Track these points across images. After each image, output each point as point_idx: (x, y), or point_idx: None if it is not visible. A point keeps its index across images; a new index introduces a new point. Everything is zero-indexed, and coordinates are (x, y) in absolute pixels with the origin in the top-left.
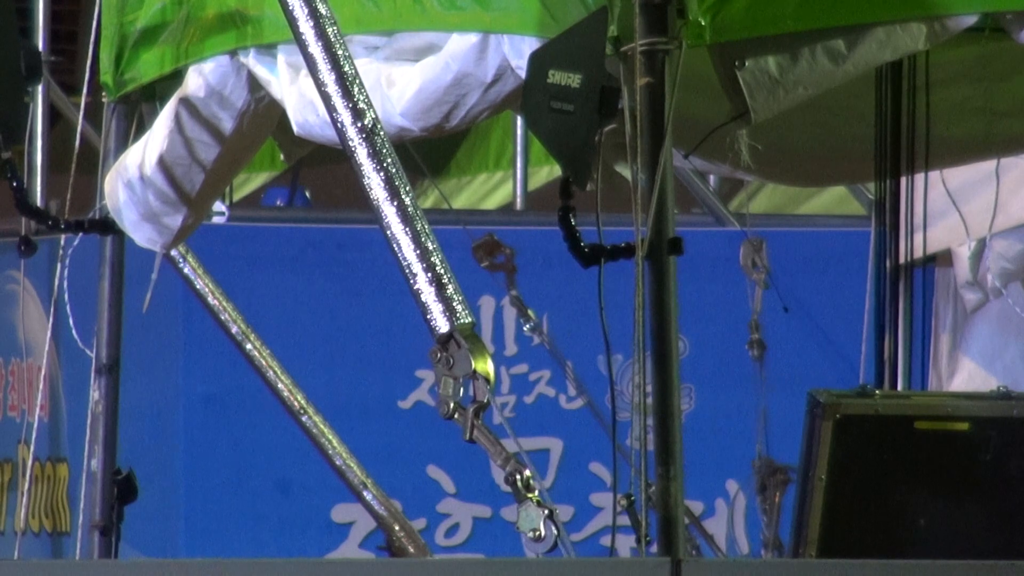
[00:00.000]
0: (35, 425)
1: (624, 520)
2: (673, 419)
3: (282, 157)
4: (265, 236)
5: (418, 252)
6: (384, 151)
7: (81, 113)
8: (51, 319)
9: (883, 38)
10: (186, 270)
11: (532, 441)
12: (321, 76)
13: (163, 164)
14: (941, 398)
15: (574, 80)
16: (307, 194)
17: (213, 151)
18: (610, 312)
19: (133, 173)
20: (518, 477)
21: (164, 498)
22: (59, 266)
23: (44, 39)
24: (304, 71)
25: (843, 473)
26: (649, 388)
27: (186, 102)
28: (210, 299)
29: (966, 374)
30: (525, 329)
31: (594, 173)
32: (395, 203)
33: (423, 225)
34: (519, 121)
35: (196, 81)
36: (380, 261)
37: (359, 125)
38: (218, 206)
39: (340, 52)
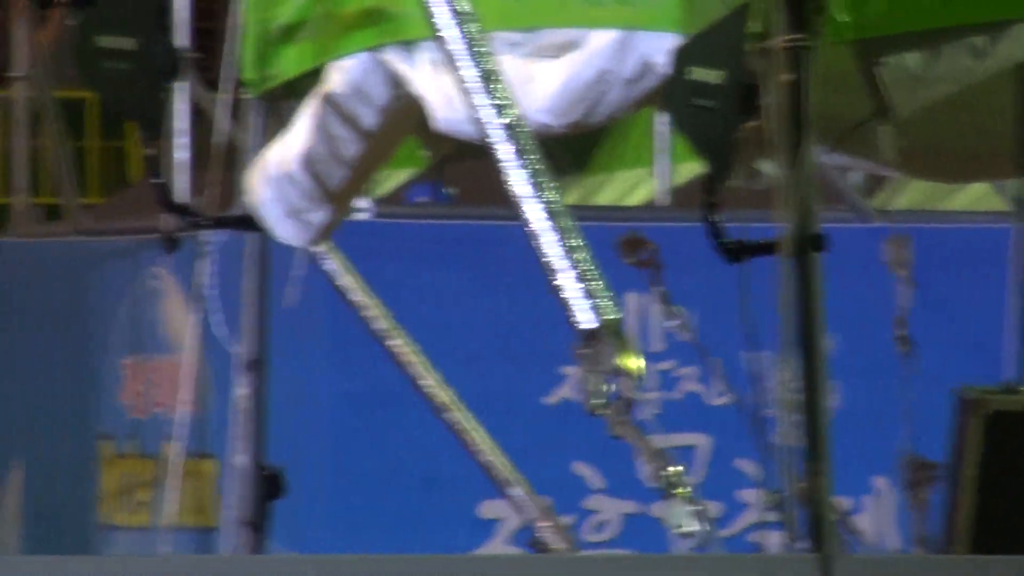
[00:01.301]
0: (181, 421)
1: (773, 516)
2: (821, 416)
3: (424, 153)
4: (409, 232)
5: (563, 248)
6: (527, 147)
7: (222, 110)
8: (194, 315)
9: None
10: (330, 266)
11: (679, 437)
12: (463, 72)
13: (305, 160)
14: None
15: (716, 77)
16: (450, 190)
17: (355, 147)
18: (757, 308)
19: (275, 170)
20: (665, 473)
21: (312, 494)
22: (203, 263)
23: (186, 36)
24: (445, 68)
25: (991, 469)
26: (797, 385)
27: (328, 99)
28: (354, 295)
29: None
30: (671, 325)
31: (736, 169)
32: (539, 199)
33: (567, 221)
34: (662, 117)
35: (337, 78)
36: (524, 257)
37: (501, 121)
38: (361, 202)
39: (481, 49)
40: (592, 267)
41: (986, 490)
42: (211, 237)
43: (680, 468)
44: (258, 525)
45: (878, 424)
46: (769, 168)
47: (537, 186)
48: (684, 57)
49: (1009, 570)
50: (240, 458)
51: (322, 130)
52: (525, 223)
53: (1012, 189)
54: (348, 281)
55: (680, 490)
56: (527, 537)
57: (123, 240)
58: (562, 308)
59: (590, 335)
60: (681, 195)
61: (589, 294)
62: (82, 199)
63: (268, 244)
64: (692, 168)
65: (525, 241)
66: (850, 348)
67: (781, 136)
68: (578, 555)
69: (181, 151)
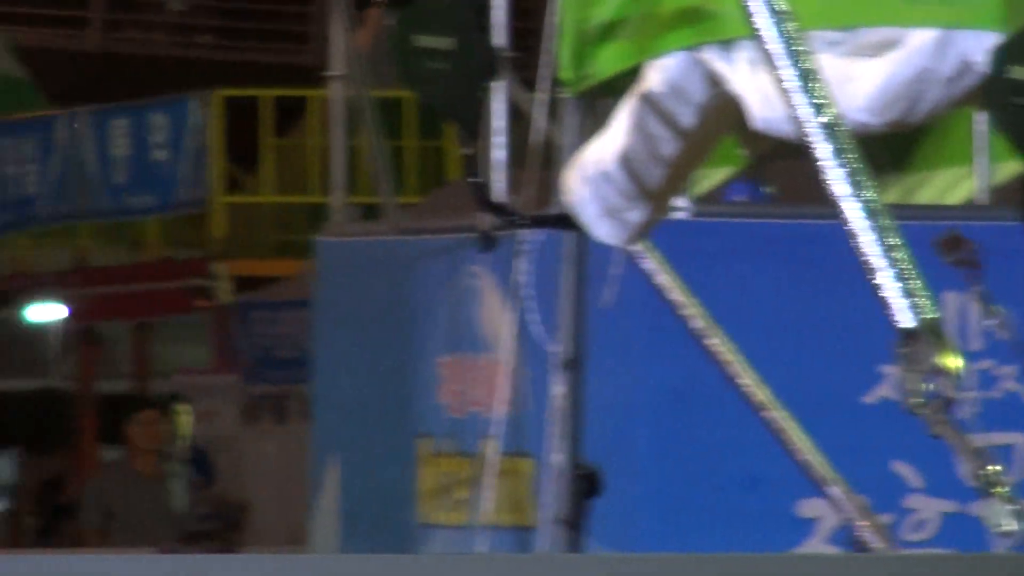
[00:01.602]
0: (498, 420)
1: None
2: None
3: (742, 152)
4: (727, 231)
5: (881, 247)
6: (845, 146)
7: (540, 109)
8: (512, 314)
9: None
10: (647, 265)
11: (998, 436)
12: (781, 72)
13: (623, 159)
14: None
15: None
16: (768, 189)
17: (673, 146)
18: None
19: (593, 169)
20: (984, 472)
21: (628, 493)
22: (520, 261)
23: (504, 35)
24: (763, 67)
25: None
26: None
27: (645, 98)
28: (671, 294)
29: None
30: (990, 324)
31: None
32: (858, 198)
33: (886, 220)
34: (981, 115)
35: (655, 77)
36: (842, 256)
37: (819, 120)
38: (678, 201)
39: (799, 48)
40: (911, 266)
41: None
42: (528, 236)
43: (999, 467)
44: (575, 524)
45: None
46: None
47: (856, 185)
48: (1004, 56)
49: None
50: (556, 457)
51: (640, 129)
52: (844, 222)
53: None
54: (665, 280)
55: (999, 489)
56: (845, 536)
57: (441, 239)
58: (881, 307)
59: (909, 334)
60: (1001, 194)
61: (908, 293)
62: (400, 198)
63: (585, 243)
64: (1012, 167)
65: (844, 240)
66: None
67: None
68: (897, 554)
69: (498, 150)
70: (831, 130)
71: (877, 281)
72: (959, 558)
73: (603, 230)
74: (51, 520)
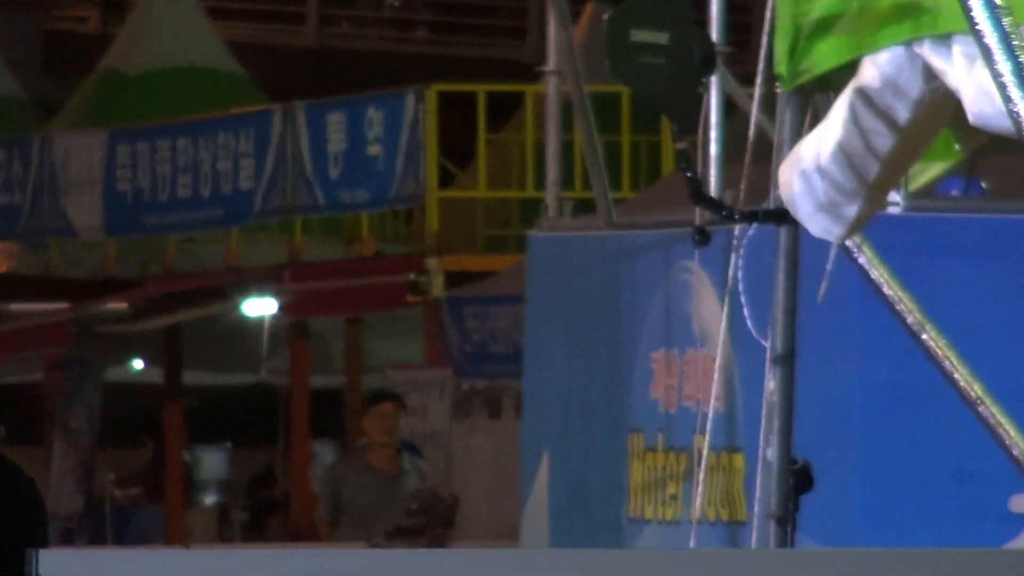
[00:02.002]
0: (710, 415)
1: None
2: None
3: (958, 147)
4: (942, 226)
5: None
6: None
7: (755, 104)
8: (725, 309)
9: None
10: (861, 260)
11: None
12: (997, 66)
13: (838, 154)
14: None
15: None
16: (983, 183)
17: (888, 141)
18: None
19: (808, 164)
20: None
21: (840, 488)
22: (733, 256)
23: (719, 30)
24: (980, 61)
25: None
26: None
27: (861, 92)
28: (885, 289)
29: None
30: None
31: None
32: None
33: None
34: None
35: (871, 71)
36: None
37: None
38: (892, 196)
39: (1016, 43)
40: None
41: None
42: (743, 231)
43: None
44: (786, 519)
45: None
46: None
47: None
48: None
49: None
50: (769, 452)
51: (856, 124)
52: None
53: None
54: (879, 275)
55: None
56: None
57: (654, 234)
58: None
59: None
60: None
61: None
62: (613, 193)
63: (799, 238)
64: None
65: None
66: None
67: None
68: None
69: (714, 145)
70: None
71: None
72: None
73: (817, 225)
74: (259, 514)
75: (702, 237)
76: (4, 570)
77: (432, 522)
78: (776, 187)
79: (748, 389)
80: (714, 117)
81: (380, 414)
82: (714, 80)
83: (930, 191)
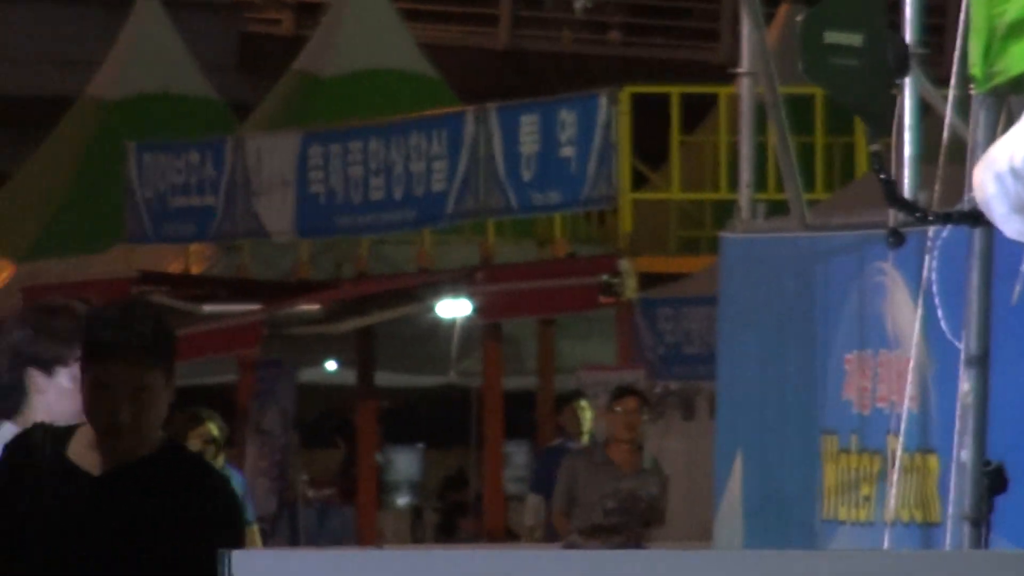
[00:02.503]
0: (904, 416)
1: None
2: None
3: None
4: None
5: None
6: None
7: (949, 105)
8: (919, 310)
9: None
10: None
11: None
12: None
13: None
14: None
15: None
16: None
17: None
18: None
19: (1002, 165)
20: None
21: None
22: (927, 258)
23: (913, 31)
24: None
25: None
26: None
27: None
28: None
29: None
30: None
31: None
32: None
33: None
34: None
35: None
36: None
37: None
38: None
39: None
40: None
41: None
42: (937, 232)
43: None
44: (981, 521)
45: None
46: None
47: None
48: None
49: None
50: (963, 453)
51: None
52: None
53: None
54: None
55: None
56: None
57: (848, 235)
58: None
59: None
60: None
61: None
62: (807, 194)
63: (994, 239)
64: None
65: None
66: None
67: None
68: None
69: (909, 146)
70: None
71: None
72: None
73: (1012, 227)
74: (451, 516)
75: (896, 238)
76: (199, 571)
77: (630, 521)
78: (970, 189)
79: (942, 390)
80: (908, 119)
81: (624, 409)
82: (908, 82)
83: None
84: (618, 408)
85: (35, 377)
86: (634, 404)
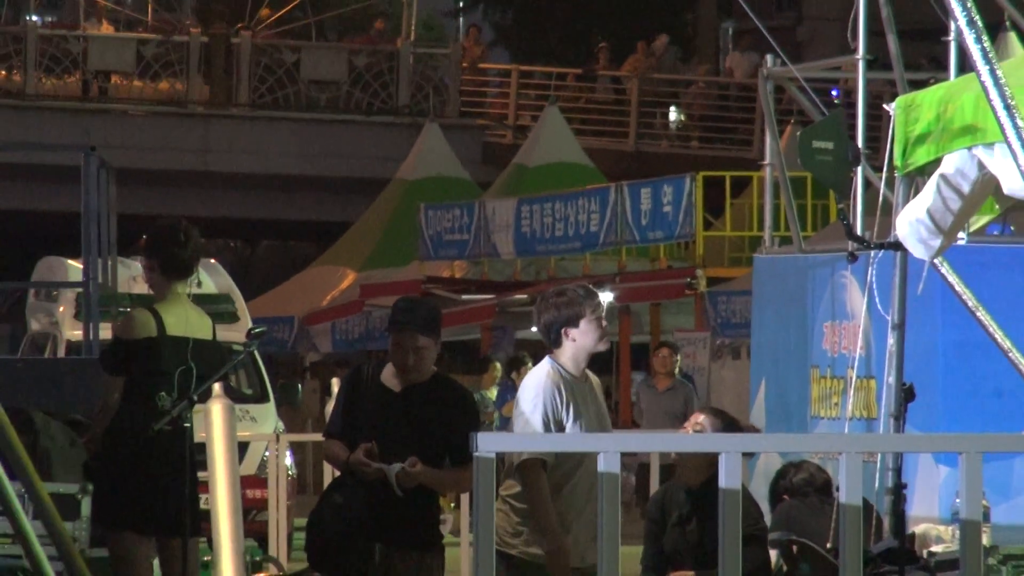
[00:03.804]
0: (856, 358)
1: None
2: None
3: (997, 206)
4: (988, 251)
5: None
6: None
7: (883, 183)
8: (865, 298)
9: None
10: (942, 270)
11: None
12: (1019, 160)
13: (930, 210)
14: None
15: None
16: (1012, 227)
17: (958, 204)
18: None
19: (912, 216)
20: None
21: (929, 399)
22: (870, 269)
23: (862, 140)
24: (1010, 159)
25: None
26: None
27: (942, 176)
28: (956, 287)
29: None
30: None
31: None
32: None
33: None
34: None
35: (948, 164)
36: None
37: None
38: (960, 234)
39: None
40: None
41: None
42: (875, 254)
43: None
44: (900, 417)
45: None
46: None
47: None
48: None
49: None
50: (890, 379)
51: (939, 193)
52: None
53: None
54: (952, 279)
55: None
56: None
57: (826, 255)
58: None
59: None
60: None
61: None
62: (803, 232)
63: (907, 258)
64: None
65: None
66: None
67: None
68: None
69: (859, 205)
70: None
71: None
72: None
73: (918, 251)
74: None
75: (852, 258)
76: (454, 448)
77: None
78: (894, 229)
79: (878, 343)
80: (859, 189)
81: (659, 356)
82: (859, 169)
83: (981, 231)
84: (657, 354)
85: None
86: (667, 351)
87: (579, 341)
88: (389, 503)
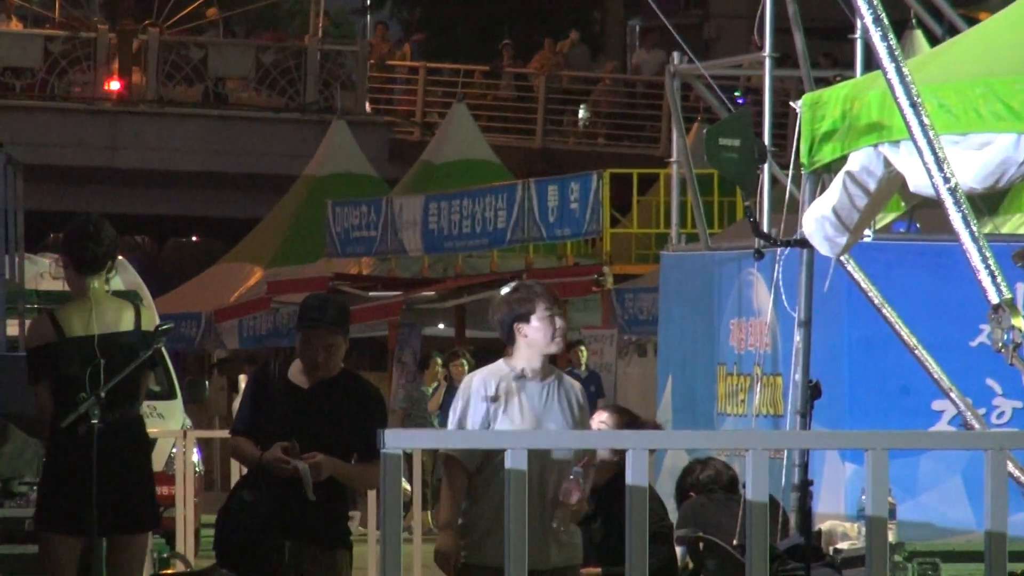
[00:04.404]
0: (762, 354)
1: None
2: None
3: (903, 204)
4: (893, 248)
5: (980, 255)
6: (962, 200)
7: (789, 179)
8: (772, 295)
9: None
10: (848, 267)
11: None
12: (926, 158)
13: (836, 208)
14: None
15: None
16: (917, 224)
17: (863, 201)
18: None
19: (818, 213)
20: None
21: (836, 396)
22: (776, 265)
23: (768, 137)
24: (916, 156)
25: None
26: None
27: (848, 173)
28: (861, 283)
29: None
30: None
31: None
32: (967, 229)
33: (983, 239)
34: None
35: (854, 161)
36: (961, 261)
37: (947, 186)
38: (866, 231)
39: (938, 145)
40: (997, 266)
41: None
42: (782, 251)
43: None
44: (806, 414)
45: None
46: None
47: (966, 221)
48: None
49: None
50: (796, 375)
51: (845, 190)
52: (961, 241)
53: None
54: (858, 275)
55: None
56: (959, 422)
57: (732, 252)
58: (980, 289)
59: (995, 305)
60: None
61: (995, 280)
62: (709, 229)
63: (813, 255)
64: None
65: (960, 252)
66: None
67: None
68: (988, 432)
69: (766, 202)
70: (954, 192)
71: (980, 274)
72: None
73: (824, 248)
74: None
75: (759, 255)
76: (362, 444)
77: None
78: (800, 227)
79: (784, 340)
80: (766, 187)
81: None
82: (766, 166)
83: (887, 228)
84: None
85: None
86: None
87: (531, 337)
88: (298, 501)
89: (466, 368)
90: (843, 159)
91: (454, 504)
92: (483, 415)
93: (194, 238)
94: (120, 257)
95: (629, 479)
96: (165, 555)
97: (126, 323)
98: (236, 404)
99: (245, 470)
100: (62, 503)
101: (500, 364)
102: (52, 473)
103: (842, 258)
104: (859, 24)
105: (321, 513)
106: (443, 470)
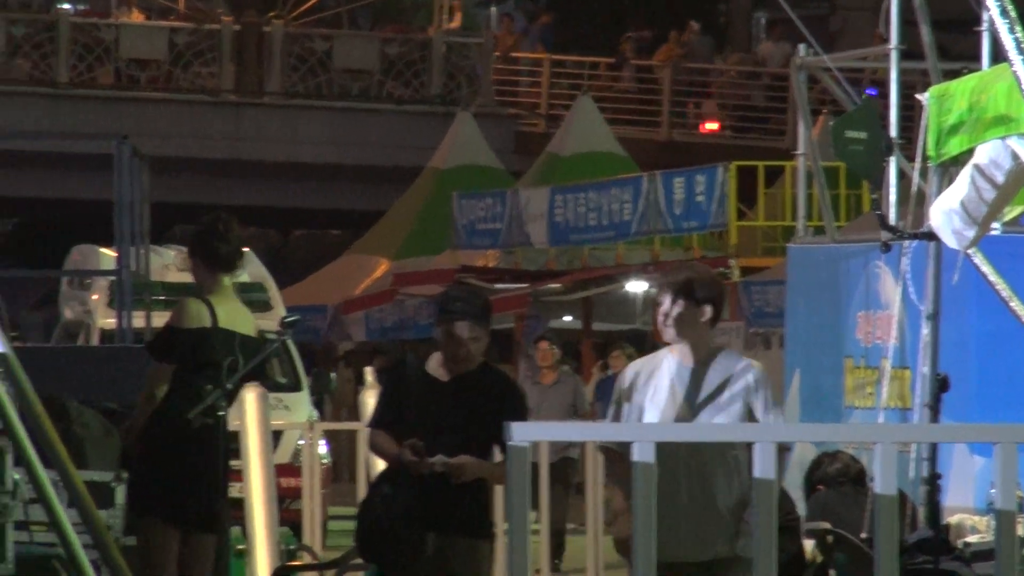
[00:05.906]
0: (891, 347)
1: None
2: None
3: None
4: (1021, 241)
5: None
6: None
7: (916, 172)
8: (899, 288)
9: None
10: (976, 260)
11: None
12: None
13: (963, 201)
14: None
15: None
16: None
17: (991, 194)
18: None
19: (946, 206)
20: None
21: (963, 389)
22: (903, 258)
23: (896, 130)
24: None
25: None
26: None
27: (976, 166)
28: (989, 276)
29: None
30: None
31: None
32: None
33: None
34: None
35: (982, 154)
36: None
37: None
38: (994, 224)
39: None
40: None
41: None
42: (909, 244)
43: None
44: (934, 407)
45: None
46: None
47: None
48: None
49: None
50: (924, 369)
51: (973, 184)
52: None
53: None
54: (986, 267)
55: None
56: None
57: (859, 245)
58: None
59: None
60: None
61: None
62: (836, 222)
63: (941, 248)
64: None
65: None
66: None
67: None
68: None
69: (893, 195)
70: None
71: None
72: None
73: (952, 241)
74: None
75: (886, 247)
76: (498, 437)
77: None
78: (927, 220)
79: (912, 333)
80: (892, 179)
81: (539, 350)
82: (892, 159)
83: (1015, 221)
84: (540, 347)
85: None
86: (545, 345)
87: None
88: (441, 492)
89: (624, 360)
90: (970, 152)
91: (624, 492)
92: (638, 405)
93: (320, 230)
94: (246, 249)
95: (756, 472)
96: (292, 547)
97: (249, 327)
98: (362, 396)
99: (379, 462)
100: (168, 491)
101: (659, 352)
102: (158, 461)
103: (970, 251)
104: (985, 16)
105: (464, 503)
106: (604, 461)
